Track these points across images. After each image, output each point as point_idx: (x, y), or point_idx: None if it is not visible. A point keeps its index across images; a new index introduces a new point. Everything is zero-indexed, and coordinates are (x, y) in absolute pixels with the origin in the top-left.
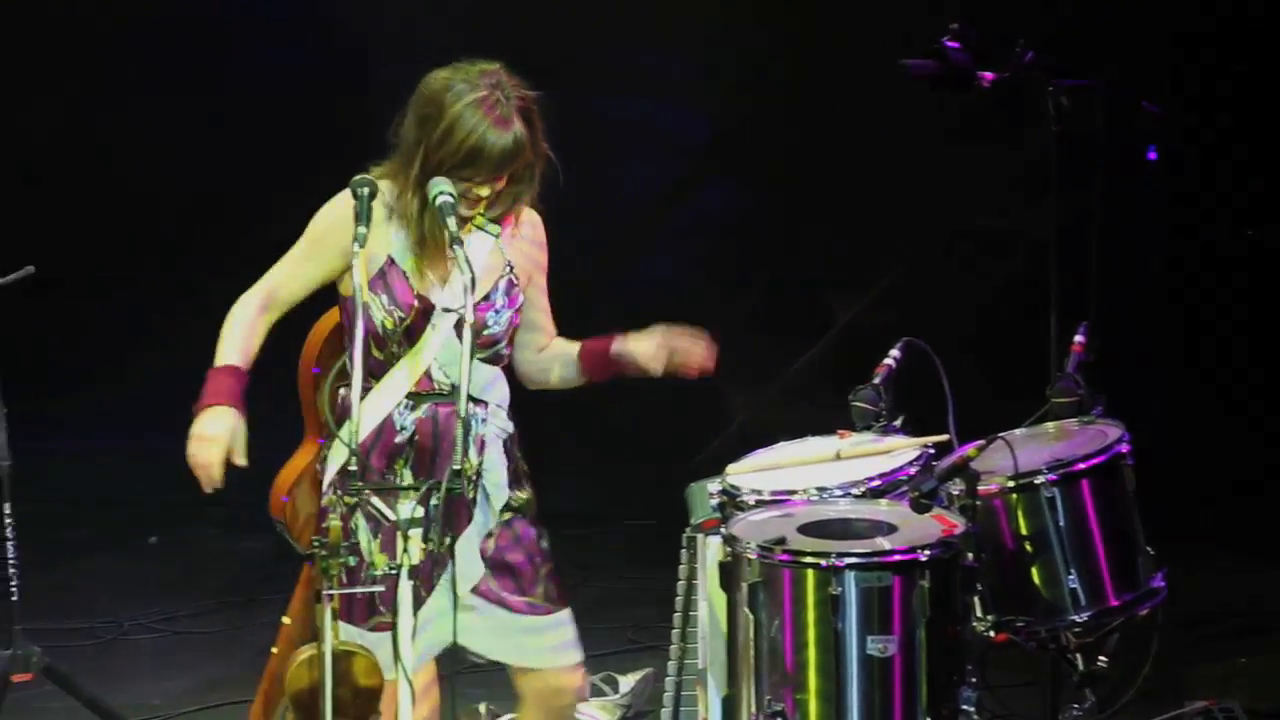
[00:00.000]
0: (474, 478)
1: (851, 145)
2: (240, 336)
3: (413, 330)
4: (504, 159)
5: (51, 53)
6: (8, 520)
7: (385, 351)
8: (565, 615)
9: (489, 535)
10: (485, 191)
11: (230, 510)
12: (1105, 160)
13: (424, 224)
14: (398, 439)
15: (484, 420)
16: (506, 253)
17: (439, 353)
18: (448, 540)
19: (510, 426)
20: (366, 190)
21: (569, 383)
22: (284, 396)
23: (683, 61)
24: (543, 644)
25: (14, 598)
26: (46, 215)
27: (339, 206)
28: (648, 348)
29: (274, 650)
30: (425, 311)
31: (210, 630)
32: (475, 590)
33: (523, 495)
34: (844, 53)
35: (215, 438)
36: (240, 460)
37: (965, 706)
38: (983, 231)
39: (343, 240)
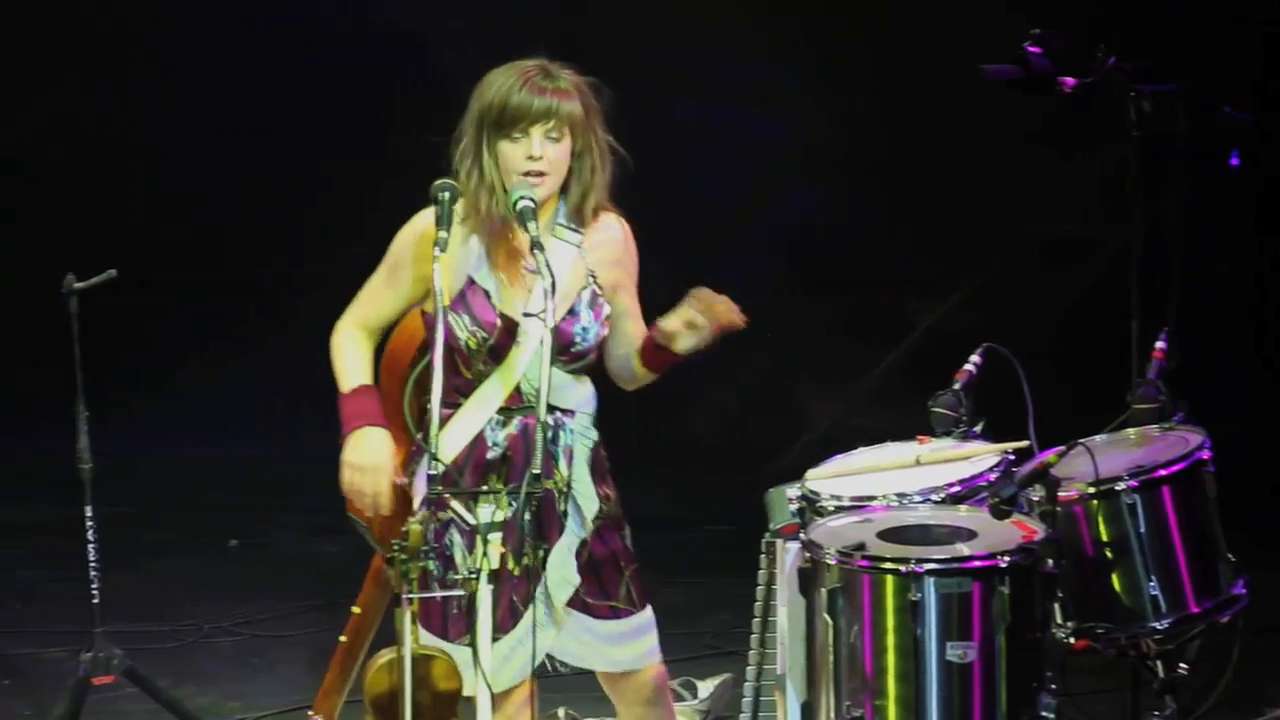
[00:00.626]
0: (565, 489)
1: (933, 150)
2: (357, 357)
3: (498, 349)
4: (538, 113)
5: (96, 49)
6: (89, 523)
7: (472, 370)
8: (646, 616)
9: (582, 544)
10: (536, 150)
11: (309, 514)
12: (1187, 165)
13: (480, 200)
14: (490, 455)
15: (572, 431)
16: (588, 262)
17: (528, 367)
18: (541, 552)
19: (595, 434)
20: (447, 194)
21: (643, 378)
22: None
23: (765, 67)
24: (624, 650)
25: (95, 600)
26: (123, 216)
27: (413, 229)
28: (673, 318)
29: (342, 639)
30: (509, 329)
31: (290, 633)
32: (567, 601)
33: (610, 499)
34: (926, 57)
35: (377, 466)
36: (400, 479)
37: (1045, 713)
38: (1064, 237)
39: (420, 266)
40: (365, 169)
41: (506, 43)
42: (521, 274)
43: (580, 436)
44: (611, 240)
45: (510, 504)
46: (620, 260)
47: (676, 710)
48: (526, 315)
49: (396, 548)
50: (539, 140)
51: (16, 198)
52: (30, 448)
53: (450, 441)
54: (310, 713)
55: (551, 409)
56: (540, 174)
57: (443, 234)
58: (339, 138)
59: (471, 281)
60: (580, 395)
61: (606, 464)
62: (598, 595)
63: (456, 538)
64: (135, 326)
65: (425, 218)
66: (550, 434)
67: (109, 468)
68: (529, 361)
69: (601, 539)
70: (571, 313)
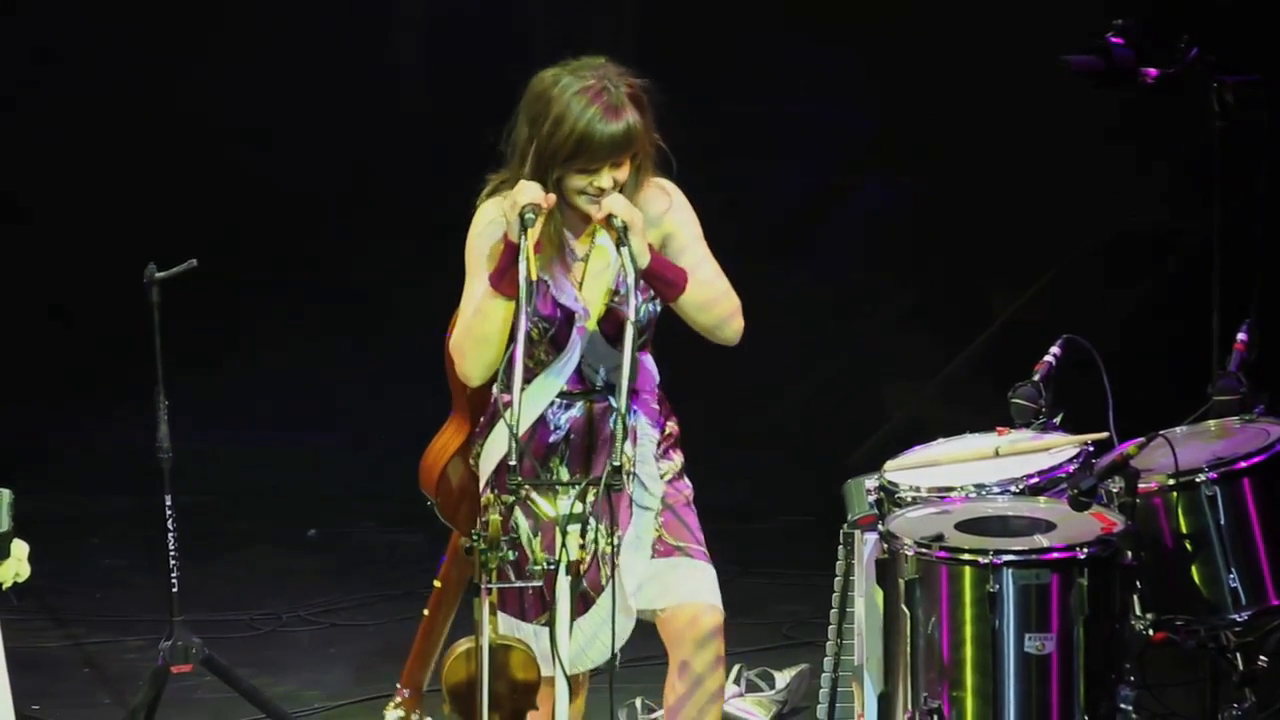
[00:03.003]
0: (631, 471)
1: (1012, 141)
2: None
3: (558, 338)
4: (615, 146)
5: (180, 34)
6: (169, 512)
7: (534, 358)
8: (710, 567)
9: (657, 515)
10: (606, 183)
11: (387, 504)
12: (1269, 156)
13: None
14: (552, 438)
15: (635, 410)
16: None
17: (586, 351)
18: (616, 538)
19: (654, 403)
20: (530, 215)
21: (697, 321)
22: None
23: (843, 57)
24: (697, 585)
25: (174, 589)
26: (206, 209)
27: (478, 226)
28: None
29: (425, 612)
30: (568, 318)
31: (368, 623)
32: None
33: (675, 464)
34: (1005, 48)
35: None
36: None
37: (1123, 705)
38: (1144, 228)
39: (493, 244)
40: (445, 161)
41: (586, 32)
42: (569, 265)
43: (644, 416)
44: (655, 219)
45: (571, 493)
46: (670, 234)
47: (753, 700)
48: (613, 304)
49: (475, 537)
50: (609, 174)
51: (94, 187)
52: (110, 437)
53: (519, 417)
54: (399, 685)
55: (614, 391)
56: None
57: (529, 215)
58: (423, 129)
59: None
60: (646, 376)
61: (675, 432)
62: (691, 540)
63: (523, 522)
64: (215, 316)
65: (488, 212)
66: (612, 416)
67: (188, 457)
68: (586, 344)
69: (678, 492)
70: (618, 294)
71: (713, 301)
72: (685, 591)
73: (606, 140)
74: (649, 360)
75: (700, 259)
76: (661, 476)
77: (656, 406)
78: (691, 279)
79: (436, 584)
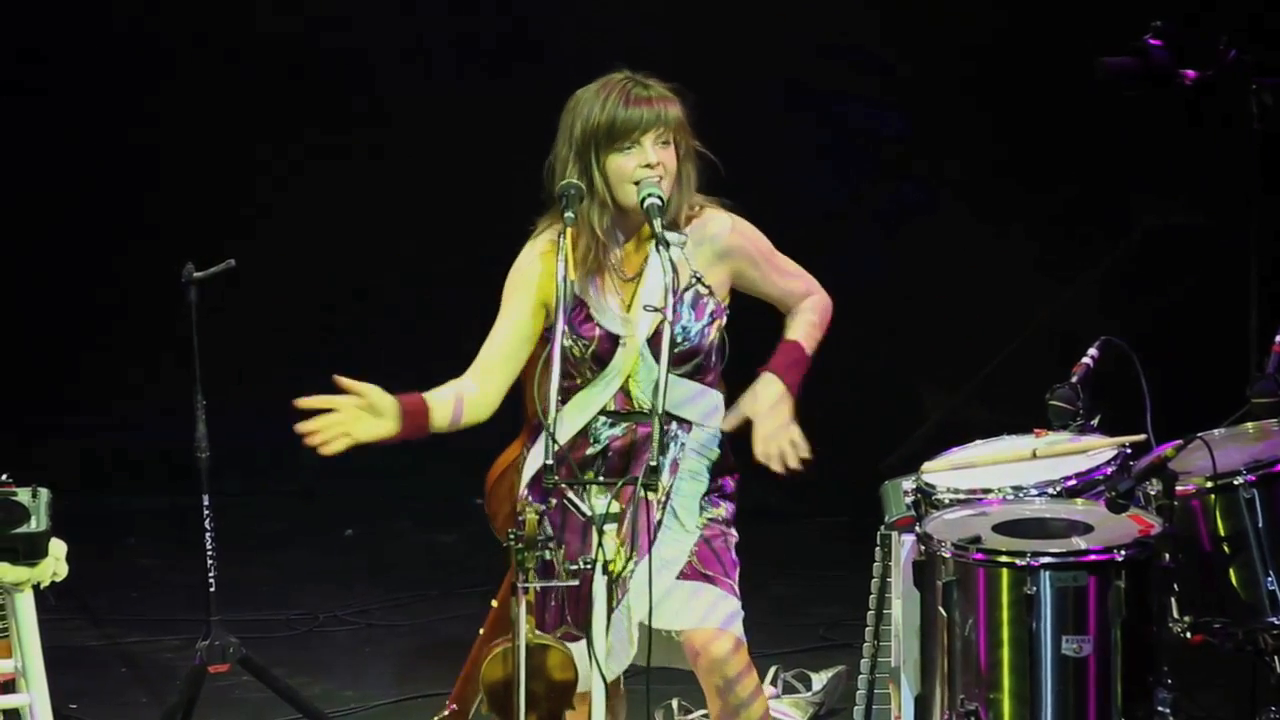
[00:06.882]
0: (663, 500)
1: (1047, 140)
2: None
3: (600, 355)
4: (649, 115)
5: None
6: (206, 511)
7: (581, 377)
8: (737, 600)
9: (690, 550)
10: (652, 157)
11: (425, 504)
12: None
13: (593, 216)
14: (589, 450)
15: (683, 444)
16: (692, 263)
17: (633, 370)
18: (631, 565)
19: (714, 446)
20: (573, 191)
21: None
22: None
23: (875, 55)
24: (709, 612)
25: (211, 588)
26: (239, 208)
27: (520, 263)
28: (759, 421)
29: (480, 632)
30: (610, 337)
31: (404, 623)
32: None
33: (720, 510)
34: (1042, 46)
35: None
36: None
37: (1160, 708)
38: (1182, 229)
39: (522, 290)
40: (499, 170)
41: (605, 42)
42: (614, 284)
43: (693, 452)
44: (717, 236)
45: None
46: (729, 252)
47: (789, 701)
48: (646, 308)
49: (512, 536)
50: (652, 148)
51: (134, 190)
52: (147, 437)
53: (556, 419)
54: (448, 700)
55: (670, 417)
56: (659, 178)
57: (569, 215)
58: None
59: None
60: (702, 408)
61: (728, 487)
62: (719, 573)
63: (548, 531)
64: (252, 315)
65: (529, 251)
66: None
67: (225, 457)
68: (630, 361)
69: (723, 539)
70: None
71: (824, 318)
72: (697, 617)
73: (637, 109)
74: (711, 393)
75: (785, 264)
76: (703, 515)
77: (717, 449)
78: (806, 339)
79: (494, 604)
